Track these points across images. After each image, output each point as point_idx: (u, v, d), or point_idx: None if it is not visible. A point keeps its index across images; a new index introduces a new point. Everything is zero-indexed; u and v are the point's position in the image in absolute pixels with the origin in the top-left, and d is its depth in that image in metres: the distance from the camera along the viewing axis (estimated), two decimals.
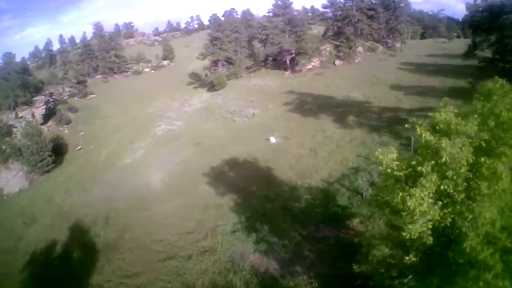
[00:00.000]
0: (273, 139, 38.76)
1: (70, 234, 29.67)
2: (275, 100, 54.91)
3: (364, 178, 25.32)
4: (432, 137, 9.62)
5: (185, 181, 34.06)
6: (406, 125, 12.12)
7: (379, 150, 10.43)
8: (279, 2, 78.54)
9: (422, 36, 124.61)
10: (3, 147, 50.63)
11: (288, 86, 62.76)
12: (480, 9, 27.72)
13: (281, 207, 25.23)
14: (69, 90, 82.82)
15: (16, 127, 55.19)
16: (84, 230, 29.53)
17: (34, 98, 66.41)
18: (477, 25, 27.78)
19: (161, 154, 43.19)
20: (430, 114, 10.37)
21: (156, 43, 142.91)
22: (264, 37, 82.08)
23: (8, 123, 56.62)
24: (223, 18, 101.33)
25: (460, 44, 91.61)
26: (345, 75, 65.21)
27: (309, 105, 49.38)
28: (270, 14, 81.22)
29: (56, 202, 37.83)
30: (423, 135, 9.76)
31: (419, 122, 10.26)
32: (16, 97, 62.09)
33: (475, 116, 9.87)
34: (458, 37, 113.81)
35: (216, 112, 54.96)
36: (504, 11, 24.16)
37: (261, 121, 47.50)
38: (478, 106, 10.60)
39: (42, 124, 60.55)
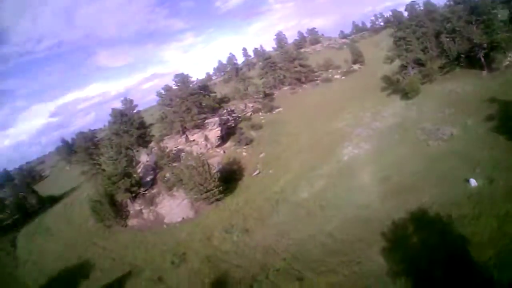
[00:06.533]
0: (473, 182, 29.32)
1: None
2: (475, 112, 43.36)
3: None
4: None
5: (356, 240, 28.58)
6: None
7: None
8: None
9: None
10: (167, 175, 51.37)
11: (488, 90, 48.68)
12: None
13: None
14: (252, 106, 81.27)
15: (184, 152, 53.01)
16: None
17: (208, 120, 64.34)
18: None
19: (341, 190, 38.31)
20: None
21: (345, 46, 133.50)
22: (451, 30, 67.85)
23: (177, 147, 58.36)
24: (406, 13, 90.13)
25: None
26: None
27: None
28: (451, 2, 67.64)
29: (213, 243, 37.64)
30: None
31: None
32: (182, 121, 62.14)
33: None
34: None
35: (410, 131, 46.33)
36: None
37: (459, 147, 37.36)
38: None
39: (218, 146, 59.62)
